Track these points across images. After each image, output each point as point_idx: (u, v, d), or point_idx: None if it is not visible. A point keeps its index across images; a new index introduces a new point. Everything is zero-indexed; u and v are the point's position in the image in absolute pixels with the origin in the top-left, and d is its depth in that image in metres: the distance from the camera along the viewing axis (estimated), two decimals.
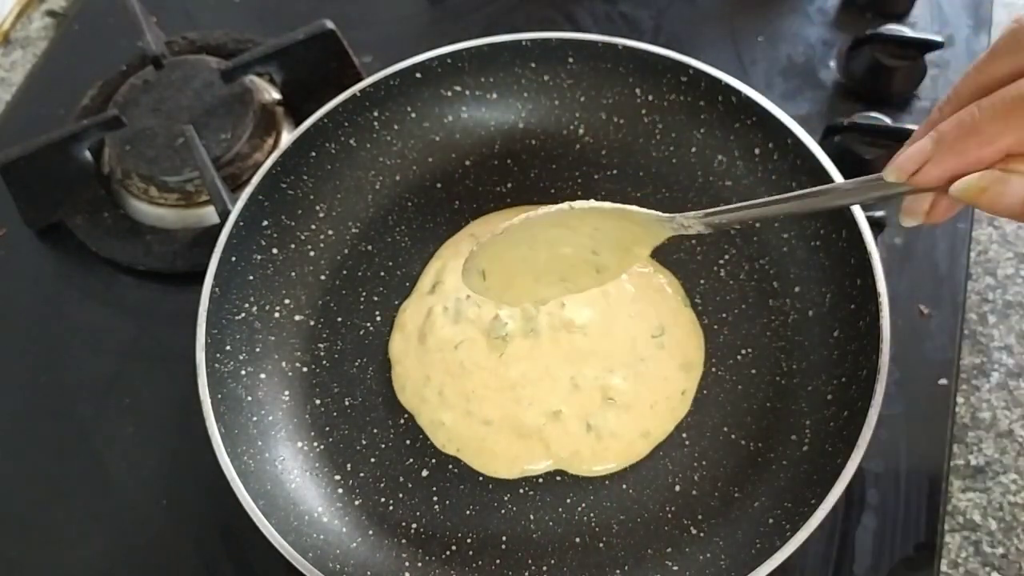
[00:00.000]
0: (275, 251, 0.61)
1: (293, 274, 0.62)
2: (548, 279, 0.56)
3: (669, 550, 0.53)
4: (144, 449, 0.61)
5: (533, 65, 0.65)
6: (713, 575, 0.51)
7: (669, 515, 0.54)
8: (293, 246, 0.62)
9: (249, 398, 0.57)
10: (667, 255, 0.62)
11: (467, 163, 0.67)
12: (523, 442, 0.57)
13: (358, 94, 0.63)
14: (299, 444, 0.57)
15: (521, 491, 0.56)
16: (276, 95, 0.74)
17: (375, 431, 0.58)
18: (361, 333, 0.62)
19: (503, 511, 0.55)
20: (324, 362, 0.60)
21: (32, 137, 0.68)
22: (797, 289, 0.59)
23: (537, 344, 0.60)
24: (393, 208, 0.66)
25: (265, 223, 0.61)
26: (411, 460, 0.57)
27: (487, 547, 0.54)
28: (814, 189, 0.45)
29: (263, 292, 0.60)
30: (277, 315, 0.61)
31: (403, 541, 0.55)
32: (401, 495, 0.56)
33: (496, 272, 0.56)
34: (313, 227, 0.63)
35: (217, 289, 0.57)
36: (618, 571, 0.53)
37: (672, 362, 0.59)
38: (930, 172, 0.39)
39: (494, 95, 0.66)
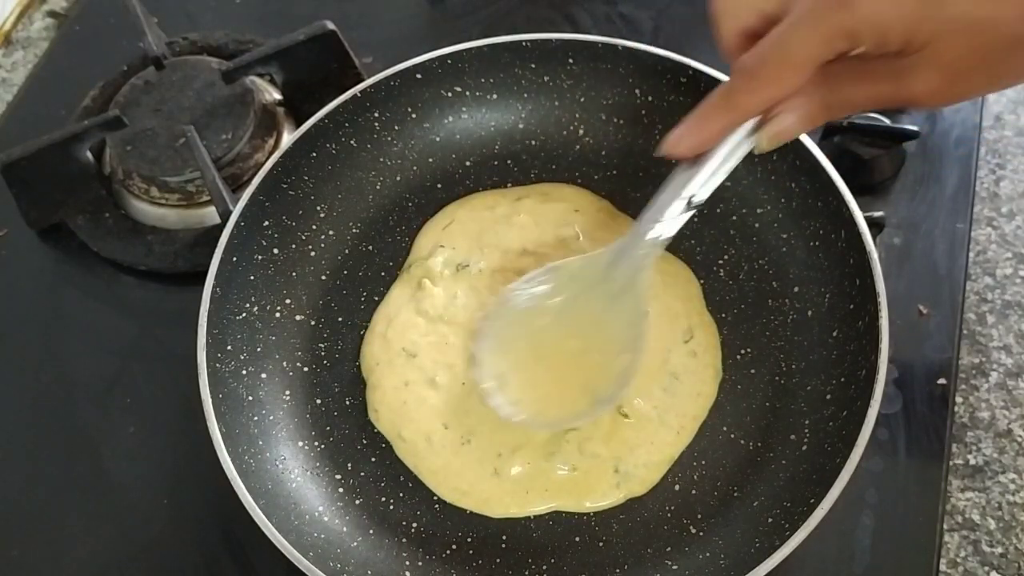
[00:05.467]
0: (276, 251, 0.62)
1: (294, 274, 0.62)
2: (571, 384, 0.54)
3: (669, 549, 0.53)
4: (145, 449, 0.61)
5: (533, 66, 0.65)
6: (713, 574, 0.51)
7: (669, 514, 0.54)
8: (294, 246, 0.63)
9: (250, 398, 0.57)
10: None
11: (467, 164, 0.67)
12: (522, 496, 0.55)
13: (359, 95, 0.63)
14: (300, 443, 0.57)
15: None
16: (277, 96, 0.74)
17: (376, 430, 0.58)
18: (362, 333, 0.62)
19: None
20: (325, 362, 0.61)
21: (33, 137, 0.68)
22: (796, 289, 0.59)
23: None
24: (394, 208, 0.66)
25: (266, 223, 0.61)
26: None
27: (487, 547, 0.54)
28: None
29: (264, 292, 0.60)
30: (278, 315, 0.61)
31: (403, 540, 0.55)
32: (401, 494, 0.56)
33: (515, 376, 0.54)
34: (314, 227, 0.63)
35: (218, 289, 0.57)
36: (618, 571, 0.53)
37: (705, 372, 0.58)
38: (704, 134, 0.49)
39: (494, 96, 0.66)
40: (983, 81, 0.45)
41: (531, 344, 0.56)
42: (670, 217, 0.51)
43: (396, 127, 0.65)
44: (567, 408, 0.55)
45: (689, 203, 0.51)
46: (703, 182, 0.50)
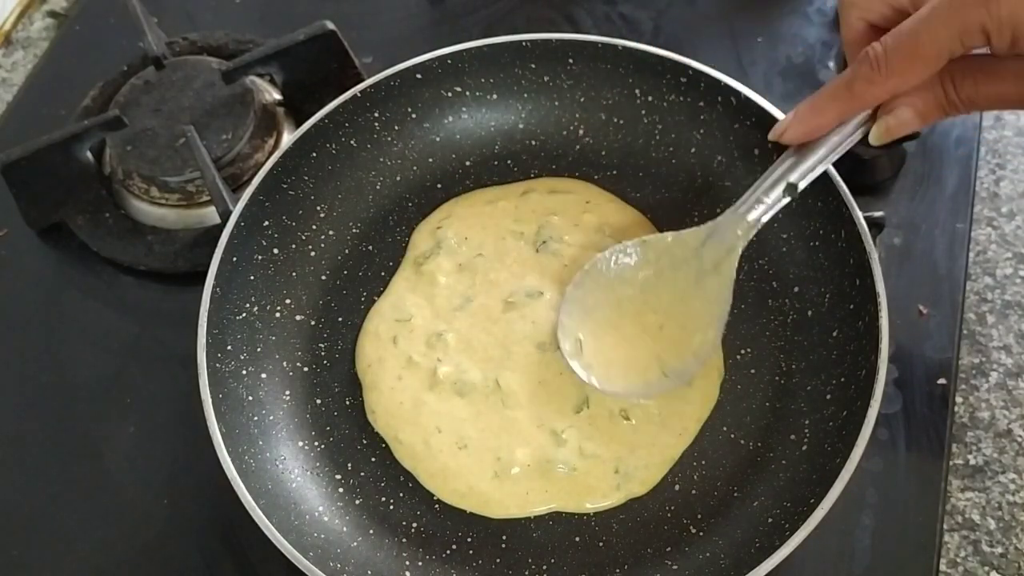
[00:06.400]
0: (276, 251, 0.62)
1: (294, 274, 0.62)
2: (643, 355, 0.55)
3: (669, 549, 0.53)
4: (144, 449, 0.61)
5: (533, 66, 0.65)
6: (713, 574, 0.51)
7: (669, 514, 0.54)
8: (294, 246, 0.63)
9: (250, 398, 0.57)
10: None
11: (467, 164, 0.67)
12: (522, 497, 0.55)
13: (359, 95, 0.63)
14: (300, 443, 0.57)
15: None
16: (277, 96, 0.74)
17: (375, 430, 0.58)
18: (361, 333, 0.62)
19: None
20: (325, 362, 0.61)
21: (33, 137, 0.68)
22: (796, 289, 0.59)
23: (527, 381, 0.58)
24: (394, 208, 0.66)
25: (266, 223, 0.61)
26: None
27: (487, 547, 0.54)
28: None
29: (264, 292, 0.60)
30: (278, 315, 0.61)
31: (403, 540, 0.55)
32: (401, 494, 0.56)
33: (591, 341, 0.56)
34: (314, 227, 0.63)
35: (218, 289, 0.57)
36: (618, 571, 0.53)
37: (710, 374, 0.57)
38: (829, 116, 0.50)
39: (494, 96, 0.66)
40: None
41: (611, 313, 0.57)
42: (769, 201, 0.53)
43: (396, 127, 0.65)
44: (636, 378, 0.55)
45: (790, 188, 0.52)
46: (808, 169, 0.51)
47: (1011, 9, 0.42)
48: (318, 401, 0.59)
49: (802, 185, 0.52)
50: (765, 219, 0.54)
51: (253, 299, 0.60)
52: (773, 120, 0.59)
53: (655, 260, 0.57)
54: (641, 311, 0.57)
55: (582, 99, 0.66)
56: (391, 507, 0.56)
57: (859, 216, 0.55)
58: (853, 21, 0.49)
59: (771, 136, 0.51)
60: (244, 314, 0.59)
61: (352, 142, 0.64)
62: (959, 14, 0.43)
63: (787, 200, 0.53)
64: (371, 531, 0.55)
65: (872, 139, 0.50)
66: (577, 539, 0.54)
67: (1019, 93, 0.46)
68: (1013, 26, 0.43)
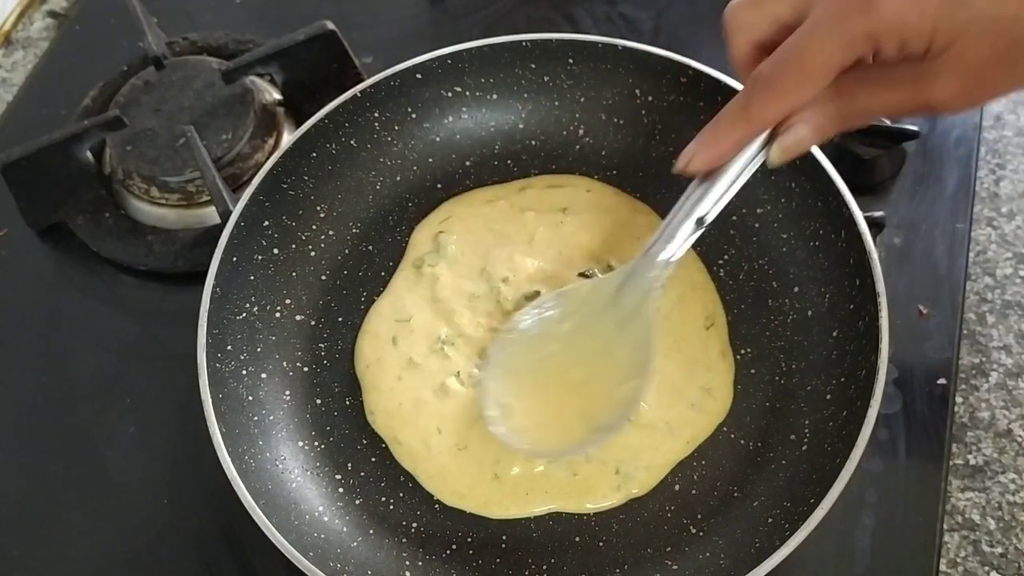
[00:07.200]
0: (276, 251, 0.62)
1: (294, 274, 0.62)
2: (571, 413, 0.53)
3: (669, 549, 0.53)
4: (145, 449, 0.61)
5: (533, 66, 0.65)
6: (713, 574, 0.51)
7: (669, 514, 0.54)
8: (294, 246, 0.63)
9: (250, 398, 0.57)
10: None
11: (467, 164, 0.67)
12: (522, 498, 0.55)
13: (359, 95, 0.63)
14: (300, 443, 0.57)
15: None
16: (277, 96, 0.74)
17: (375, 430, 0.58)
18: (360, 333, 0.62)
19: None
20: (325, 362, 0.61)
21: (33, 137, 0.68)
22: (796, 289, 0.59)
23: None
24: (394, 208, 0.66)
25: (266, 223, 0.61)
26: None
27: (487, 547, 0.54)
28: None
29: (264, 292, 0.60)
30: (278, 315, 0.61)
31: (403, 541, 0.55)
32: (401, 495, 0.56)
33: (519, 404, 0.54)
34: (314, 227, 0.63)
35: (218, 289, 0.57)
36: (618, 571, 0.53)
37: (728, 386, 0.57)
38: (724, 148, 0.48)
39: (494, 96, 0.66)
40: (1006, 82, 0.44)
41: (536, 372, 0.55)
42: (681, 238, 0.51)
43: (396, 127, 0.65)
44: (566, 438, 0.54)
45: (700, 222, 0.50)
46: (715, 200, 0.49)
47: (894, 12, 0.41)
48: (318, 401, 0.59)
49: (710, 217, 0.50)
50: (677, 257, 0.51)
51: (253, 299, 0.60)
52: None
53: (576, 310, 0.55)
54: (566, 367, 0.55)
55: (582, 99, 0.66)
56: (391, 507, 0.56)
57: (859, 216, 0.55)
58: (740, 44, 0.47)
59: (676, 170, 0.49)
60: (244, 314, 0.59)
61: (352, 142, 0.64)
62: (844, 24, 0.42)
63: (698, 234, 0.51)
64: (371, 531, 0.55)
65: (770, 160, 0.48)
66: (577, 539, 0.54)
67: (913, 97, 0.44)
68: (899, 29, 0.41)
